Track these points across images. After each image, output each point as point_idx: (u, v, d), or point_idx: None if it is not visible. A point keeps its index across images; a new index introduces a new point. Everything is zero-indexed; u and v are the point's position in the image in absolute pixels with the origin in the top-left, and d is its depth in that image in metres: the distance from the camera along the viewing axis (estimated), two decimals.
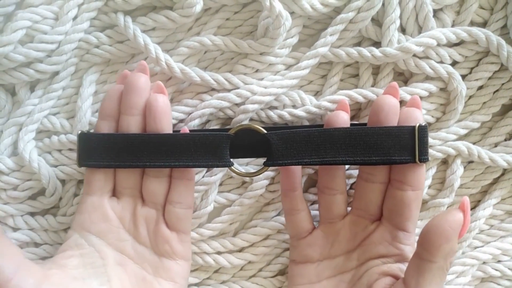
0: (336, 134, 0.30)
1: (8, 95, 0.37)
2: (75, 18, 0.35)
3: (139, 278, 0.32)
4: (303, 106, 0.35)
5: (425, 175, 0.36)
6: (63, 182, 0.37)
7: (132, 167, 0.32)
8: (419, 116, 0.31)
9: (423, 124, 0.30)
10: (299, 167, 0.33)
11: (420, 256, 0.27)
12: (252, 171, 0.35)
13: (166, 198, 0.33)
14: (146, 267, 0.32)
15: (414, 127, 0.30)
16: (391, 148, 0.29)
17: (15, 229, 0.37)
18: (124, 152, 0.31)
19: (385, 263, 0.31)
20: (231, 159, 0.31)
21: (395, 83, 0.32)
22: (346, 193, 0.33)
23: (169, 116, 0.32)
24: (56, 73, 0.36)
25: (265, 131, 0.31)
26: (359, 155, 0.30)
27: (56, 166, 0.37)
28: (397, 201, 0.31)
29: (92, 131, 0.33)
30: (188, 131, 0.32)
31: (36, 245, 0.38)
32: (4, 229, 0.37)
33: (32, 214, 0.38)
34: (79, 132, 0.33)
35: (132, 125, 0.32)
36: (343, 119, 0.31)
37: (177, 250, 0.33)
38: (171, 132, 0.32)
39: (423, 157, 0.30)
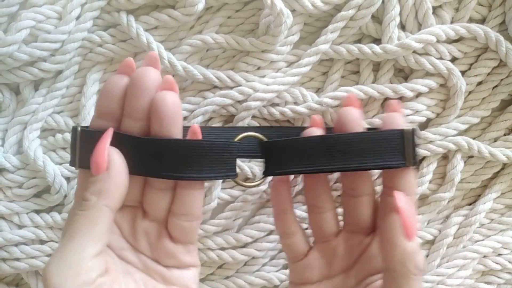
0: (328, 141, 0.28)
1: (13, 94, 0.37)
2: (78, 17, 0.35)
3: (150, 287, 0.28)
4: (304, 103, 0.36)
5: (424, 173, 0.37)
6: (67, 179, 0.37)
7: (135, 174, 0.27)
8: (400, 121, 0.28)
9: (410, 128, 0.28)
10: (288, 187, 0.31)
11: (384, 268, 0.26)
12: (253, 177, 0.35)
13: (168, 210, 0.28)
14: (155, 276, 0.29)
15: (403, 130, 0.28)
16: (384, 153, 0.28)
17: (21, 227, 0.38)
18: (127, 157, 0.26)
19: None
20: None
21: (351, 94, 0.30)
22: (335, 210, 0.31)
23: (179, 119, 0.27)
24: (60, 72, 0.37)
25: (265, 139, 0.30)
26: (353, 161, 0.28)
27: (60, 164, 0.37)
28: (391, 207, 0.28)
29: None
30: (199, 129, 0.28)
31: (42, 242, 0.38)
32: (10, 226, 0.37)
33: (37, 211, 0.38)
34: (79, 128, 0.28)
35: (135, 130, 0.27)
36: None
37: (185, 261, 0.29)
38: (180, 137, 0.27)
39: (414, 161, 0.28)
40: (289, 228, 0.31)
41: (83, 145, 0.27)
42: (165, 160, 0.26)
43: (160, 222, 0.28)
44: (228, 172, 0.28)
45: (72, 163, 0.28)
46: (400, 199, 0.26)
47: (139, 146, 0.26)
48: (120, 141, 0.26)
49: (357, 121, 0.28)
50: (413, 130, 0.28)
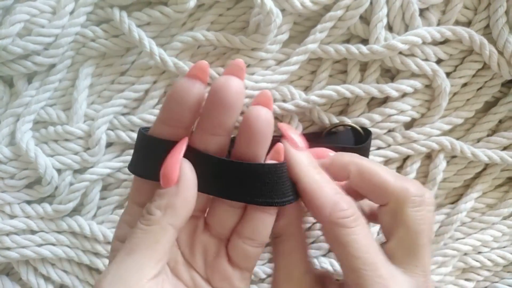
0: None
1: (6, 86, 0.38)
2: (72, 12, 0.36)
3: None
4: (292, 101, 0.37)
5: (408, 172, 0.38)
6: (59, 171, 0.38)
7: (206, 192, 0.25)
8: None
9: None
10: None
11: None
12: None
13: (233, 229, 0.26)
14: None
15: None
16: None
17: (12, 217, 0.38)
18: (199, 174, 0.24)
19: None
20: None
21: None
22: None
23: (269, 139, 0.24)
24: (53, 65, 0.37)
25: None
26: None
27: (52, 156, 0.38)
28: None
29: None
30: (283, 149, 0.26)
31: (33, 232, 0.39)
32: (1, 216, 0.38)
33: (29, 202, 0.39)
34: (144, 132, 0.25)
35: (212, 146, 0.24)
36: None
37: (237, 287, 0.27)
38: (263, 158, 0.25)
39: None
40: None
41: (145, 151, 0.25)
42: (246, 183, 0.24)
43: (221, 239, 0.27)
44: (292, 195, 0.26)
45: (131, 167, 0.26)
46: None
47: (212, 165, 0.24)
48: (192, 156, 0.24)
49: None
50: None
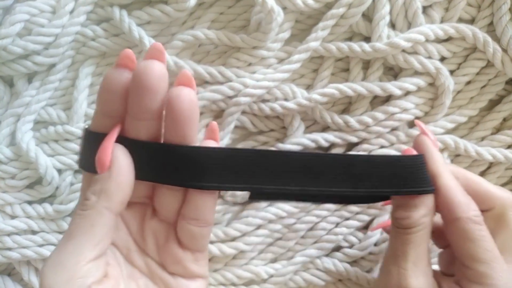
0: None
1: (7, 86, 0.38)
2: (72, 11, 0.36)
3: None
4: (294, 99, 0.36)
5: None
6: (59, 171, 0.38)
7: (142, 179, 0.25)
8: (429, 144, 0.30)
9: None
10: None
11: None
12: None
13: (178, 212, 0.26)
14: (159, 284, 0.27)
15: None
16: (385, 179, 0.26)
17: (13, 217, 0.38)
18: (135, 161, 0.24)
19: None
20: None
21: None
22: None
23: (195, 119, 0.24)
24: (53, 65, 0.37)
25: None
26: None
27: (52, 156, 0.38)
28: None
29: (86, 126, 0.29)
30: (217, 128, 0.27)
31: (33, 232, 0.38)
32: (2, 217, 0.38)
33: (30, 202, 0.39)
34: (85, 128, 0.26)
35: (142, 131, 0.25)
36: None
37: (192, 270, 0.27)
38: (195, 138, 0.25)
39: None
40: None
41: (87, 146, 0.26)
42: (178, 167, 0.24)
43: (169, 223, 0.27)
44: (240, 184, 0.25)
45: (78, 163, 0.27)
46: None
47: (148, 152, 0.24)
48: (126, 144, 0.24)
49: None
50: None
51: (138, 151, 0.24)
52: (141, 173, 0.25)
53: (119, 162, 0.24)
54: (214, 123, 0.27)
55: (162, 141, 0.25)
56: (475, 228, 0.28)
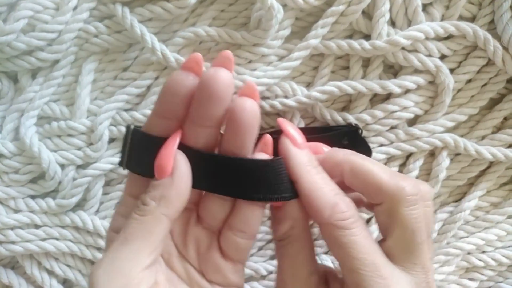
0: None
1: (11, 82, 0.38)
2: (75, 8, 0.36)
3: None
4: (294, 97, 0.36)
5: (411, 169, 0.37)
6: (62, 166, 0.38)
7: (197, 188, 0.25)
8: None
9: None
10: None
11: None
12: None
13: (224, 221, 0.26)
14: None
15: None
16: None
17: (16, 211, 0.39)
18: (198, 170, 0.24)
19: None
20: None
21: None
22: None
23: (255, 131, 0.24)
24: (57, 61, 0.37)
25: None
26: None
27: (55, 151, 0.38)
28: None
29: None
30: (271, 141, 0.26)
31: (36, 226, 0.39)
32: (6, 211, 0.38)
33: (33, 197, 0.39)
34: (134, 128, 0.26)
35: (201, 138, 0.24)
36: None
37: (231, 280, 0.27)
38: (251, 149, 0.25)
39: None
40: None
41: (137, 147, 0.26)
42: (233, 178, 0.24)
43: (213, 232, 0.27)
44: (289, 193, 0.25)
45: (121, 163, 0.27)
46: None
47: (205, 161, 0.24)
48: (184, 152, 0.24)
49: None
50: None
51: (195, 159, 0.24)
52: (197, 182, 0.24)
53: (181, 170, 0.23)
54: (269, 136, 0.26)
55: (217, 149, 0.26)
56: (339, 234, 0.24)
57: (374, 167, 0.26)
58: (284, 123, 0.27)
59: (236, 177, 0.24)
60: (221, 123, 0.24)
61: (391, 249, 0.25)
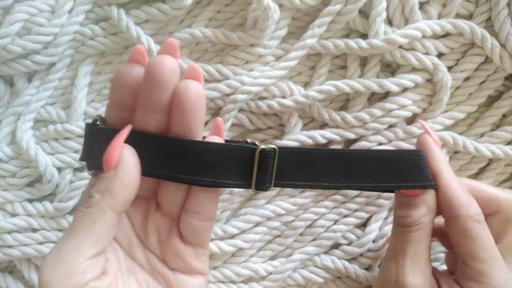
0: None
1: (7, 85, 0.38)
2: (70, 11, 0.36)
3: None
4: (291, 96, 0.36)
5: None
6: (59, 169, 0.38)
7: (147, 176, 0.25)
8: (431, 143, 0.30)
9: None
10: None
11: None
12: None
13: (182, 206, 0.27)
14: (159, 280, 0.27)
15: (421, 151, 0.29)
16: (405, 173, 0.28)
17: (14, 215, 0.38)
18: (140, 155, 0.25)
19: None
20: None
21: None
22: None
23: (201, 111, 0.25)
24: (53, 64, 0.37)
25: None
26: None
27: (52, 154, 0.38)
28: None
29: (88, 121, 0.29)
30: (223, 125, 0.28)
31: (34, 230, 0.39)
32: (3, 215, 0.38)
33: (30, 200, 0.39)
34: (88, 123, 0.27)
35: (151, 123, 0.25)
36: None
37: (193, 265, 0.27)
38: (201, 132, 0.26)
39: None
40: None
41: (91, 140, 0.26)
42: (182, 161, 0.25)
43: (172, 218, 0.27)
44: (240, 181, 0.26)
45: (81, 158, 0.27)
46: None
47: (154, 145, 0.25)
48: (132, 137, 0.25)
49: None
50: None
51: (144, 144, 0.25)
52: (146, 168, 0.25)
53: (126, 162, 0.24)
54: (220, 119, 0.28)
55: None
56: (474, 226, 0.28)
57: (487, 185, 0.31)
58: (424, 122, 0.32)
59: (184, 160, 0.25)
60: (169, 108, 0.25)
61: (502, 251, 0.29)
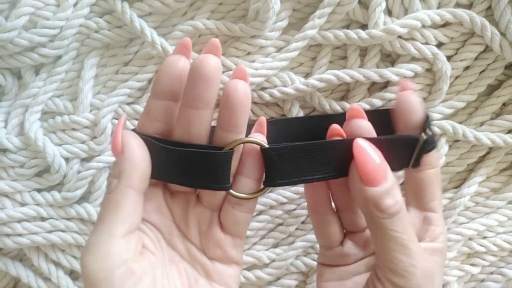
0: (339, 147, 0.26)
1: (15, 78, 0.39)
2: (75, 4, 0.37)
3: (192, 279, 0.28)
4: (292, 85, 0.37)
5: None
6: (67, 160, 0.39)
7: (156, 178, 0.27)
8: (414, 99, 0.29)
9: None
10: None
11: None
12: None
13: (224, 198, 0.28)
14: (198, 269, 0.29)
15: (418, 137, 0.28)
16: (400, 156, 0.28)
17: (23, 204, 0.40)
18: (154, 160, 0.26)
19: None
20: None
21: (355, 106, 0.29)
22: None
23: (248, 110, 0.26)
24: (59, 57, 0.38)
25: (266, 145, 0.27)
26: None
27: (60, 145, 0.39)
28: (419, 182, 0.29)
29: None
30: (265, 123, 0.29)
31: (42, 219, 0.40)
32: (13, 204, 0.39)
33: (39, 190, 0.40)
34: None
35: (194, 120, 0.26)
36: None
37: (230, 255, 0.29)
38: (244, 128, 0.27)
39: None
40: (326, 219, 0.31)
41: None
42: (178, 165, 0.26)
43: (213, 210, 0.28)
44: (220, 183, 0.26)
45: None
46: (357, 147, 0.26)
47: (179, 154, 0.26)
48: (160, 147, 0.26)
49: (370, 134, 0.28)
50: (428, 137, 0.27)
51: (152, 150, 0.26)
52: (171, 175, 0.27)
53: (129, 144, 0.26)
54: (263, 118, 0.30)
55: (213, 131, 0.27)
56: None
57: None
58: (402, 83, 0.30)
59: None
60: (212, 106, 0.26)
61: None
